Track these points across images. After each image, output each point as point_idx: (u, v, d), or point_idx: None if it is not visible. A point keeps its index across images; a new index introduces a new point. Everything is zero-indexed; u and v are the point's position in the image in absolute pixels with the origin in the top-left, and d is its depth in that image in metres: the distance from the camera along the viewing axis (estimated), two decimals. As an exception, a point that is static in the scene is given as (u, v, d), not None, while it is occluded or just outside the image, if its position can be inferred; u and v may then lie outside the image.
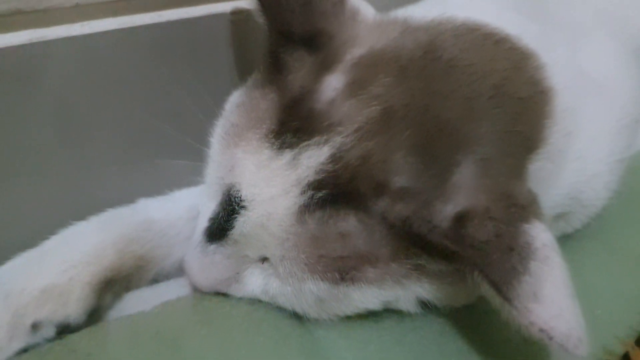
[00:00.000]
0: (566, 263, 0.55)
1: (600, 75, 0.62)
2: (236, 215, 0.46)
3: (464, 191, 0.43)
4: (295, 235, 0.44)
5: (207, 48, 0.59)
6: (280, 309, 0.49)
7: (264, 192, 0.45)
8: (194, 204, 0.55)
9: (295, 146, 0.45)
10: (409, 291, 0.47)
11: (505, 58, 0.50)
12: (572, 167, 0.56)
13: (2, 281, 0.49)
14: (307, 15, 0.49)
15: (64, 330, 0.48)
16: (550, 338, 0.39)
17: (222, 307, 0.49)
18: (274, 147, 0.45)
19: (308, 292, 0.45)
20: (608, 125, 0.61)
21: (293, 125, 0.45)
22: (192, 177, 0.54)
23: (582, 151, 0.57)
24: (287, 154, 0.45)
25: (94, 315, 0.50)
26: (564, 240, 0.58)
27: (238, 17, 0.59)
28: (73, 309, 0.48)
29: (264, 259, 0.48)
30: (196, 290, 0.51)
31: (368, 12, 0.52)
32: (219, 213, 0.47)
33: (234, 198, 0.46)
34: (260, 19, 0.50)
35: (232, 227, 0.46)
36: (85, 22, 0.51)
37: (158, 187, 0.58)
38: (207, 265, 0.49)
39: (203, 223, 0.49)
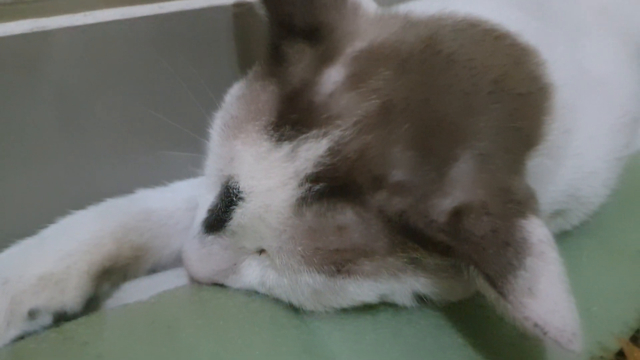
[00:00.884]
0: (563, 259, 0.55)
1: (601, 73, 0.62)
2: (234, 206, 0.46)
3: (461, 186, 0.43)
4: (292, 227, 0.44)
5: (208, 40, 0.59)
6: (276, 301, 0.49)
7: (262, 184, 0.45)
8: (193, 195, 0.55)
9: (293, 139, 0.45)
10: (405, 285, 0.47)
11: (505, 53, 0.50)
12: (571, 164, 0.56)
13: (0, 268, 0.49)
14: (308, 7, 0.49)
15: (61, 318, 0.48)
16: (545, 333, 0.39)
17: (218, 298, 0.49)
18: (273, 139, 0.45)
19: (304, 284, 0.46)
20: (607, 123, 0.61)
21: (292, 117, 0.45)
22: (191, 168, 0.54)
23: (581, 148, 0.57)
24: (286, 146, 0.45)
25: (92, 304, 0.50)
26: (562, 237, 0.58)
27: (240, 9, 0.59)
28: (70, 297, 0.48)
29: (261, 251, 0.48)
30: (193, 280, 0.51)
31: (369, 6, 0.52)
32: (217, 204, 0.48)
33: (233, 189, 0.46)
34: (261, 11, 0.50)
35: (230, 219, 0.46)
36: (88, 12, 0.51)
37: (158, 178, 0.59)
38: (204, 256, 0.49)
39: (201, 214, 0.50)
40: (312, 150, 0.44)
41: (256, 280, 0.50)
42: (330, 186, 0.44)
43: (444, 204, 0.42)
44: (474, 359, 0.47)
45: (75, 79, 0.54)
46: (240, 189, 0.46)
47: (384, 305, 0.49)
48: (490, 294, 0.41)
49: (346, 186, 0.43)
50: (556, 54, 0.55)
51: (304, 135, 0.44)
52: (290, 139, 0.45)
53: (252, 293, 0.50)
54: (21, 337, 0.47)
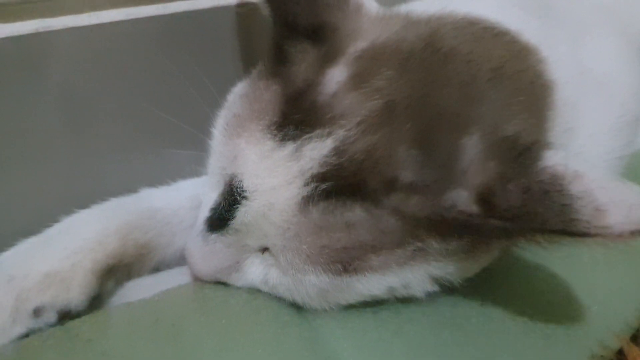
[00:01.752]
0: (565, 259, 0.56)
1: (602, 73, 0.63)
2: (238, 205, 0.46)
3: (474, 171, 0.43)
4: (297, 225, 0.45)
5: (212, 40, 0.59)
6: (279, 299, 0.49)
7: (266, 183, 0.45)
8: (197, 194, 0.56)
9: (297, 138, 0.45)
10: (419, 272, 0.47)
11: (504, 48, 0.50)
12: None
13: (5, 266, 0.49)
14: (312, 7, 0.49)
15: (66, 316, 0.49)
16: None
17: (221, 296, 0.50)
18: (277, 138, 0.46)
19: (309, 283, 0.46)
20: (608, 122, 0.62)
21: (296, 117, 0.46)
22: (196, 167, 0.55)
23: (583, 147, 0.58)
24: (290, 146, 0.45)
25: (96, 302, 0.51)
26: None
27: (243, 9, 0.59)
28: (75, 294, 0.49)
29: (265, 249, 0.48)
30: (197, 278, 0.52)
31: (372, 5, 0.53)
32: (220, 203, 0.48)
33: (236, 188, 0.46)
34: (265, 11, 0.51)
35: (234, 217, 0.47)
36: (92, 13, 0.51)
37: (162, 176, 0.59)
38: (208, 254, 0.49)
39: (205, 212, 0.50)
40: (317, 150, 0.44)
41: (259, 279, 0.50)
42: (338, 185, 0.44)
43: (464, 195, 0.42)
44: (475, 355, 0.47)
45: (81, 79, 0.55)
46: (244, 188, 0.46)
47: (386, 305, 0.49)
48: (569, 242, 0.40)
49: (355, 185, 0.44)
50: (558, 53, 0.56)
51: (307, 135, 0.45)
52: (294, 138, 0.45)
53: (254, 291, 0.51)
54: (26, 335, 0.47)
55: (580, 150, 0.58)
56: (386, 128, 0.44)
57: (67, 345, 0.45)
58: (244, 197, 0.46)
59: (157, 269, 0.56)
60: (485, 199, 0.41)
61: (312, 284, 0.46)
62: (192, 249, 0.50)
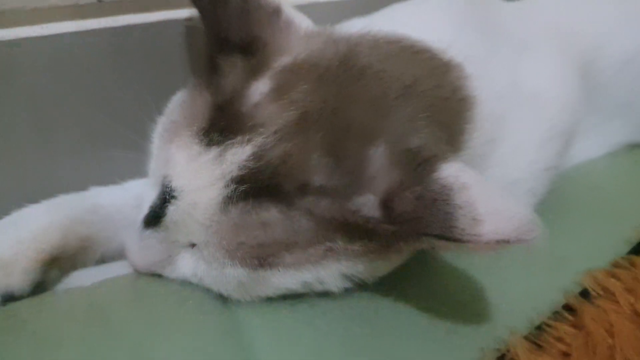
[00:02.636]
0: (484, 260, 0.59)
1: (534, 88, 0.65)
2: (168, 204, 0.50)
3: (380, 178, 0.46)
4: (218, 223, 0.49)
5: (162, 51, 0.63)
6: (206, 290, 0.54)
7: (192, 184, 0.49)
8: (142, 193, 0.60)
9: (221, 143, 0.49)
10: (330, 270, 0.51)
11: (420, 66, 0.54)
12: (493, 173, 0.60)
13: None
14: (244, 23, 0.53)
15: (10, 299, 0.53)
16: (508, 242, 0.42)
17: (153, 286, 0.54)
18: (203, 143, 0.50)
19: (229, 276, 0.50)
20: (534, 135, 0.65)
21: (221, 124, 0.50)
22: (143, 168, 0.59)
23: (505, 158, 0.61)
24: (214, 150, 0.49)
25: (42, 289, 0.55)
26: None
27: (191, 22, 0.63)
28: (16, 280, 0.53)
29: (193, 245, 0.52)
30: (135, 271, 0.56)
31: (303, 23, 0.57)
32: (155, 201, 0.52)
33: (167, 188, 0.50)
34: (200, 25, 0.55)
35: (165, 215, 0.51)
36: (44, 25, 0.56)
37: (113, 177, 0.63)
38: (143, 248, 0.54)
39: (144, 210, 0.54)
40: (237, 155, 0.48)
41: (189, 272, 0.54)
42: (255, 187, 0.48)
43: (371, 199, 0.46)
44: (379, 347, 0.51)
45: (41, 86, 0.59)
46: (173, 188, 0.50)
47: (304, 297, 0.53)
48: (450, 248, 0.45)
49: (271, 187, 0.48)
50: (485, 70, 0.59)
51: (230, 141, 0.49)
52: (218, 143, 0.49)
53: (186, 283, 0.55)
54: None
55: (502, 161, 0.61)
56: (300, 137, 0.48)
57: (4, 324, 0.49)
58: (173, 197, 0.50)
59: (102, 261, 0.60)
60: (387, 204, 0.46)
61: (232, 277, 0.50)
62: (129, 243, 0.55)
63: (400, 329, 0.53)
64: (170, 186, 0.50)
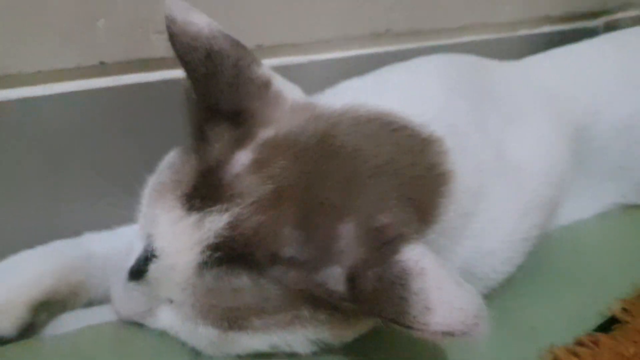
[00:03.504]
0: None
1: (518, 159, 0.66)
2: (150, 261, 0.53)
3: (347, 254, 0.48)
4: (193, 285, 0.52)
5: (161, 110, 0.67)
6: (183, 343, 0.56)
7: (172, 246, 0.52)
8: (131, 241, 0.63)
9: (201, 210, 0.52)
10: (297, 335, 0.53)
11: (397, 143, 0.56)
12: (469, 244, 0.61)
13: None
14: (234, 95, 0.56)
15: (-2, 341, 0.57)
16: (454, 335, 0.42)
17: (133, 337, 0.58)
18: (185, 208, 0.53)
19: (202, 334, 0.53)
20: (514, 207, 0.65)
21: (203, 191, 0.53)
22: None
23: (480, 230, 0.61)
24: (194, 216, 0.52)
25: (30, 331, 0.59)
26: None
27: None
28: (6, 324, 0.56)
29: (172, 301, 0.55)
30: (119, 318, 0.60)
31: (291, 95, 0.59)
32: (139, 257, 0.55)
33: (149, 247, 0.53)
34: (191, 94, 0.57)
35: (147, 271, 0.54)
36: (47, 85, 0.60)
37: (108, 223, 0.68)
38: (126, 299, 0.57)
39: (130, 260, 0.57)
40: (214, 223, 0.51)
41: (167, 325, 0.57)
42: (229, 254, 0.51)
43: (337, 273, 0.48)
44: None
45: (45, 141, 0.64)
46: (155, 247, 0.53)
47: (272, 357, 0.56)
48: (403, 331, 0.45)
49: (243, 256, 0.50)
50: (467, 142, 0.61)
51: (209, 209, 0.51)
52: (198, 210, 0.52)
53: (164, 334, 0.58)
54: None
55: (478, 233, 0.61)
56: (274, 210, 0.51)
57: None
58: (155, 256, 0.53)
59: (90, 304, 0.64)
60: (351, 280, 0.48)
61: (204, 335, 0.53)
62: (114, 293, 0.59)
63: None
64: (153, 246, 0.53)
